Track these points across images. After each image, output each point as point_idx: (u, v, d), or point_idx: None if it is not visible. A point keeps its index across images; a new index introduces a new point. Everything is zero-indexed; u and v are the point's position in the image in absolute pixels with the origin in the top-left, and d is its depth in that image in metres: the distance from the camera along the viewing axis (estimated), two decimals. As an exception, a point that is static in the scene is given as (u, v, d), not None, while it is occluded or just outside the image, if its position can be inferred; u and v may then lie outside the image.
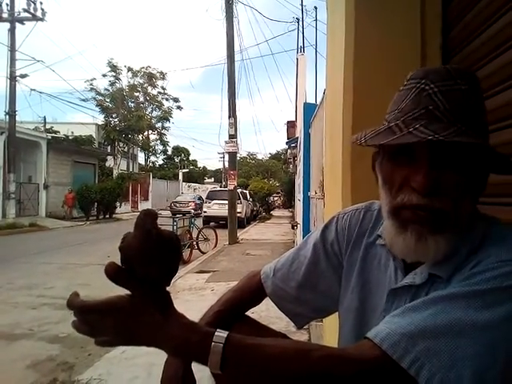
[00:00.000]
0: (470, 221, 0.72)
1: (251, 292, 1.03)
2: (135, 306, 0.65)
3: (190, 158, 51.36)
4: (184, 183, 41.09)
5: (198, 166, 54.66)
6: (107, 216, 20.84)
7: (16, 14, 16.41)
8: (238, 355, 0.63)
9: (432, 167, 0.67)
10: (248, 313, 1.04)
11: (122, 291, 0.67)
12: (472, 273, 0.65)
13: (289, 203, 27.61)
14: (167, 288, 0.70)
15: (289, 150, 14.87)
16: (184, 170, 43.52)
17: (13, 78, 16.25)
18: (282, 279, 0.99)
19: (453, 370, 0.57)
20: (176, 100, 35.79)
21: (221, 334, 0.64)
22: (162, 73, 33.59)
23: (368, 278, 0.87)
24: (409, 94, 0.72)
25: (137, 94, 32.99)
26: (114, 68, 30.58)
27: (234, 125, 11.77)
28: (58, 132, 24.66)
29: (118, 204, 21.93)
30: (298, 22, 19.02)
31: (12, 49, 16.29)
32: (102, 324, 0.65)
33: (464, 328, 0.59)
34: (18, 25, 16.48)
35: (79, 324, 0.66)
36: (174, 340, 0.65)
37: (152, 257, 0.65)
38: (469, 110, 0.69)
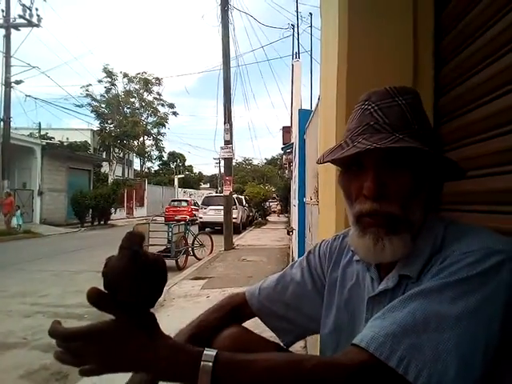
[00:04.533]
0: (429, 222, 0.79)
1: (236, 307, 1.03)
2: (120, 330, 0.64)
3: (186, 163, 51.36)
4: (180, 189, 40.99)
5: (194, 171, 54.65)
6: (102, 222, 20.75)
7: (11, 20, 16.40)
8: (228, 373, 0.63)
9: (378, 174, 0.75)
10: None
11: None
12: (440, 268, 0.69)
13: (285, 209, 27.58)
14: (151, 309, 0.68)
15: (284, 156, 14.92)
16: (180, 176, 43.40)
17: (8, 84, 16.22)
18: (268, 298, 1.02)
19: (438, 363, 0.60)
20: (171, 106, 35.90)
21: (210, 353, 0.64)
22: (157, 79, 33.74)
23: (350, 295, 0.91)
24: (355, 115, 0.82)
25: (132, 99, 33.04)
26: (109, 74, 30.63)
27: (229, 131, 11.79)
28: (53, 138, 24.57)
29: (113, 210, 21.86)
30: (293, 29, 19.14)
31: (7, 55, 16.27)
32: (87, 351, 0.63)
33: (442, 321, 0.62)
34: (13, 31, 16.47)
35: (62, 354, 0.65)
36: (162, 362, 0.64)
37: (138, 279, 0.64)
38: (407, 121, 0.76)
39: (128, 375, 0.69)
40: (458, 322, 0.61)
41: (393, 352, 0.61)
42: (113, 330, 0.64)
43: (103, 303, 0.65)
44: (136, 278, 0.64)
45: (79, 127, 28.92)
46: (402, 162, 0.74)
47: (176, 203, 25.04)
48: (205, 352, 0.64)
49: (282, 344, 1.03)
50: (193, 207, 23.35)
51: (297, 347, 3.30)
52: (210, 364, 0.62)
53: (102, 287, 0.66)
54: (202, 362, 0.62)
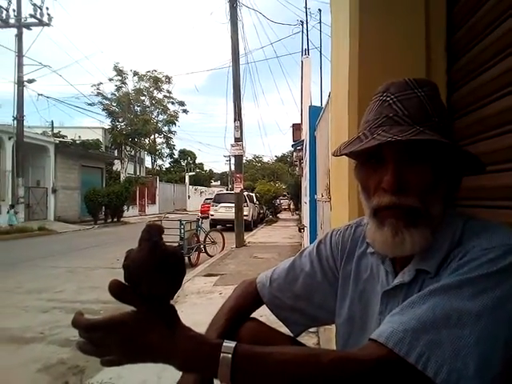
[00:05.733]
0: (447, 217, 0.77)
1: (250, 299, 1.05)
2: (141, 321, 0.65)
3: (197, 161, 51.50)
4: (191, 186, 41.16)
5: (205, 169, 54.78)
6: (115, 220, 20.95)
7: (23, 20, 16.56)
8: (247, 365, 0.64)
9: (398, 167, 0.74)
10: (257, 316, 1.05)
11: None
12: (460, 264, 0.69)
13: (295, 207, 27.44)
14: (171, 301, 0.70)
15: (295, 153, 14.85)
16: (190, 174, 43.55)
17: (20, 83, 16.41)
18: (279, 289, 1.02)
19: (458, 359, 0.59)
20: (182, 104, 35.92)
21: (229, 345, 0.65)
22: (167, 77, 33.77)
23: (364, 287, 0.91)
24: (373, 106, 0.80)
25: (143, 97, 33.15)
26: (120, 72, 30.78)
27: (239, 128, 11.78)
28: (66, 136, 24.77)
29: (125, 208, 22.03)
30: (302, 25, 19.00)
31: (19, 54, 16.45)
32: (108, 342, 0.65)
33: (461, 317, 0.62)
34: (24, 30, 16.64)
35: (84, 344, 0.66)
36: (182, 353, 0.65)
37: (158, 270, 0.65)
38: (427, 113, 0.75)
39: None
40: (478, 318, 0.61)
41: (412, 348, 0.61)
42: (134, 321, 0.65)
43: (124, 295, 0.66)
44: (156, 268, 0.65)
45: (91, 125, 29.12)
46: (422, 154, 0.73)
47: (209, 201, 27.83)
48: (224, 344, 0.65)
49: (292, 335, 1.04)
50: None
51: (310, 344, 3.31)
52: (230, 356, 0.63)
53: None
54: (221, 354, 0.64)
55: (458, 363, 0.59)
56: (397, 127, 0.73)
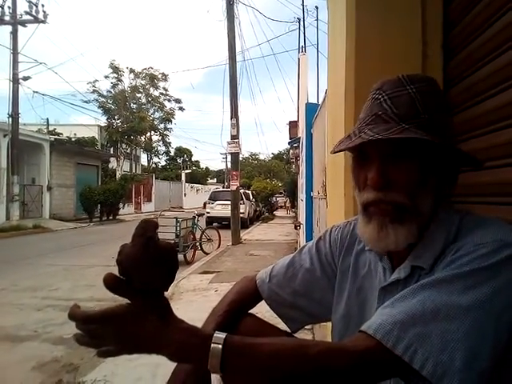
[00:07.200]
0: (443, 213, 0.78)
1: (249, 295, 1.06)
2: (135, 314, 0.67)
3: (193, 158, 51.43)
4: (187, 184, 41.09)
5: (201, 166, 54.75)
6: (110, 217, 20.86)
7: (18, 17, 16.44)
8: (237, 356, 0.65)
9: (383, 164, 0.75)
10: (253, 312, 1.05)
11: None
12: (452, 259, 0.69)
13: (291, 204, 27.45)
14: (165, 293, 0.71)
15: (291, 150, 14.87)
16: (187, 171, 43.42)
17: (15, 81, 16.29)
18: (278, 285, 1.03)
19: (445, 352, 0.60)
20: (178, 101, 35.93)
21: (219, 336, 0.66)
22: (163, 74, 33.77)
23: (362, 284, 0.92)
24: (367, 104, 0.81)
25: (139, 95, 33.08)
26: (116, 69, 30.69)
27: (235, 125, 11.77)
28: (61, 134, 24.66)
29: (121, 205, 21.97)
30: (299, 22, 19.00)
31: (14, 51, 16.32)
32: (104, 334, 0.66)
33: (450, 311, 0.62)
34: (20, 27, 16.52)
35: (81, 336, 0.68)
36: (174, 344, 0.66)
37: (151, 265, 0.66)
38: (416, 110, 0.75)
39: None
40: (467, 312, 0.61)
41: (399, 340, 0.62)
42: (128, 314, 0.67)
43: (119, 288, 0.67)
44: (149, 262, 0.66)
45: (87, 123, 29.02)
46: (408, 151, 0.74)
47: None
48: (215, 335, 0.66)
49: (289, 331, 1.05)
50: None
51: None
52: (220, 346, 0.65)
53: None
54: (212, 345, 0.65)
55: (444, 356, 0.60)
56: (383, 125, 0.74)
